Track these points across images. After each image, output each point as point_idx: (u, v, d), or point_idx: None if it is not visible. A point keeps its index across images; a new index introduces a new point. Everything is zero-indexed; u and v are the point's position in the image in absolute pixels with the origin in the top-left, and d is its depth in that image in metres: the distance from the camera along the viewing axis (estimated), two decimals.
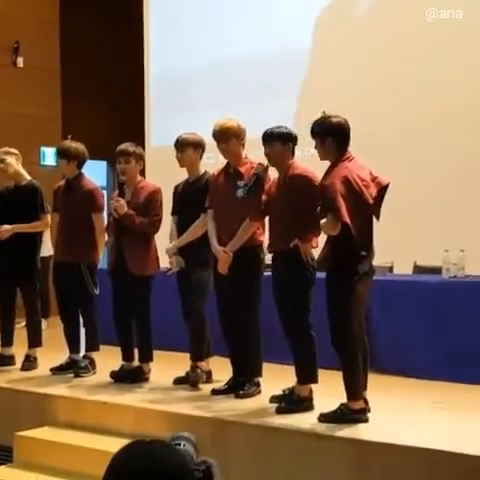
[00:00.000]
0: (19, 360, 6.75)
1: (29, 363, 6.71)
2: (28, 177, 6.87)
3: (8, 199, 6.82)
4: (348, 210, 4.67)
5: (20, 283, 6.76)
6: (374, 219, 4.90)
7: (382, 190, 4.88)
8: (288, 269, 5.16)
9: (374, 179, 4.87)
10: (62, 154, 6.49)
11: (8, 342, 6.84)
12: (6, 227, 6.65)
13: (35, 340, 6.77)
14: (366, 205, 4.80)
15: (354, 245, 4.76)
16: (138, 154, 6.19)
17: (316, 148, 4.95)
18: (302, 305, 5.15)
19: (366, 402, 4.92)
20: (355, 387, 4.84)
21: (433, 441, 4.38)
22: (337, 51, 9.11)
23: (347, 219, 4.67)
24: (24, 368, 6.66)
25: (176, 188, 6.20)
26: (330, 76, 9.08)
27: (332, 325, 4.82)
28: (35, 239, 6.76)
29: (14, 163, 6.81)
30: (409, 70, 8.50)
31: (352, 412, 4.81)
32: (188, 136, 6.03)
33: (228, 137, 5.60)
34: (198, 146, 5.99)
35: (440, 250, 6.60)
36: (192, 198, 5.93)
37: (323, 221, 4.80)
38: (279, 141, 5.24)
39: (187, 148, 5.97)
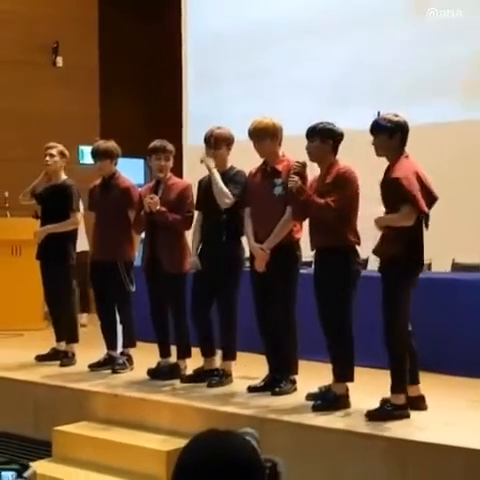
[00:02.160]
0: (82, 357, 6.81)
1: (68, 359, 6.78)
2: (64, 177, 6.99)
3: (45, 198, 6.97)
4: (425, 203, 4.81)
5: (53, 275, 6.85)
6: None
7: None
8: (332, 267, 5.15)
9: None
10: (106, 154, 6.54)
11: (61, 337, 6.96)
12: (39, 230, 6.86)
13: (71, 336, 6.84)
14: (433, 201, 4.93)
15: (422, 239, 4.85)
16: (173, 152, 6.22)
17: (375, 144, 4.95)
18: (344, 304, 5.14)
19: (423, 399, 5.01)
20: (400, 382, 4.85)
21: (472, 440, 4.34)
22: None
23: (426, 209, 4.79)
24: (63, 364, 6.72)
25: (200, 183, 6.10)
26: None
27: (387, 319, 4.84)
28: (67, 236, 6.87)
29: (59, 164, 6.94)
30: None
31: (395, 408, 4.81)
32: (221, 131, 5.93)
33: (262, 137, 5.58)
34: (231, 142, 5.92)
35: (478, 247, 6.55)
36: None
37: (392, 214, 4.85)
38: (319, 137, 5.22)
39: (222, 145, 5.93)
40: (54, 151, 6.92)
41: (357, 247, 5.22)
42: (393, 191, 4.85)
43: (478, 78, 8.32)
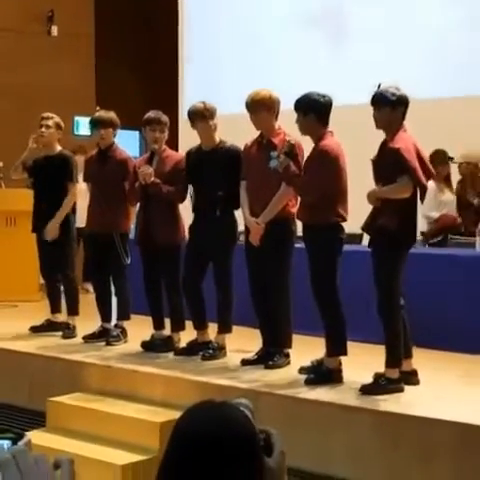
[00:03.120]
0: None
1: (69, 331, 6.75)
2: (59, 148, 6.91)
3: (38, 170, 6.86)
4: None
5: (53, 248, 6.81)
6: None
7: None
8: (316, 244, 5.16)
9: None
10: (110, 123, 6.48)
11: (54, 308, 6.95)
12: (50, 228, 6.67)
13: (73, 308, 6.84)
14: (429, 175, 4.95)
15: (416, 212, 4.88)
16: (168, 123, 6.19)
17: (376, 116, 4.95)
18: (329, 279, 5.15)
19: (415, 373, 5.01)
20: (397, 356, 4.88)
21: (462, 415, 4.37)
22: None
23: (425, 181, 4.79)
24: (65, 336, 6.71)
25: (188, 155, 6.06)
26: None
27: (380, 293, 4.86)
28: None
29: (55, 135, 6.85)
30: None
31: (390, 382, 4.84)
32: (205, 104, 5.85)
33: (259, 109, 5.55)
34: (213, 117, 5.84)
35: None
36: (210, 168, 5.82)
37: (389, 185, 4.85)
38: (302, 110, 5.19)
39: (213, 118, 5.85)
40: (50, 122, 6.83)
41: (343, 224, 5.22)
42: (392, 162, 4.84)
43: None
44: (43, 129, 6.81)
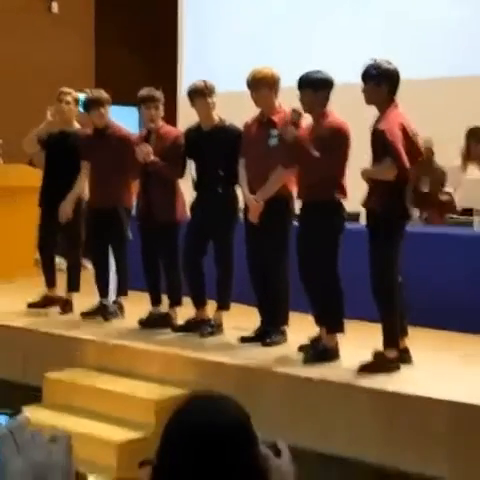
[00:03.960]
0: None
1: (68, 307, 6.74)
2: (77, 125, 6.81)
3: (53, 145, 6.73)
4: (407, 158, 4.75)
5: (63, 223, 6.76)
6: None
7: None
8: (317, 221, 5.14)
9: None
10: (106, 102, 6.44)
11: (50, 283, 6.91)
12: (63, 209, 6.55)
13: (74, 285, 6.83)
14: (418, 155, 4.89)
15: (404, 193, 4.82)
16: (162, 99, 6.15)
17: (365, 91, 4.90)
18: (330, 257, 5.15)
19: (407, 351, 4.99)
20: (394, 336, 4.89)
21: (458, 394, 4.38)
22: None
23: (407, 164, 4.74)
24: (64, 311, 6.70)
25: (188, 133, 6.02)
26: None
27: (374, 273, 4.84)
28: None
29: (74, 111, 6.74)
30: None
31: (387, 361, 4.84)
32: (207, 82, 5.83)
33: (260, 86, 5.52)
34: (213, 95, 5.81)
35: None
36: (210, 147, 5.78)
37: (375, 166, 4.84)
38: (311, 88, 5.14)
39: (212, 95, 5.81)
40: (69, 98, 6.70)
41: (343, 201, 5.21)
42: (378, 142, 4.82)
43: None
44: (63, 104, 6.69)
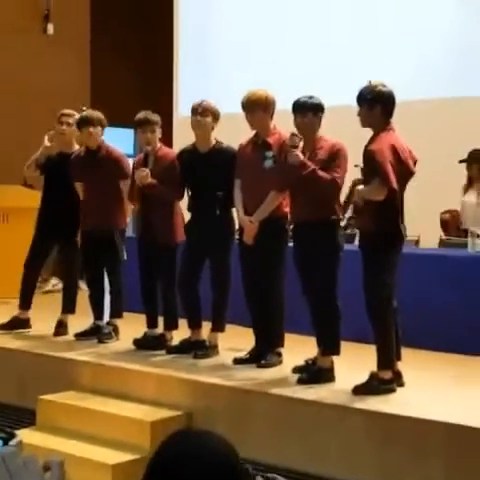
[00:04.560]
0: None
1: (62, 329, 6.71)
2: (77, 146, 6.80)
3: (52, 168, 6.73)
4: (396, 178, 4.76)
5: (62, 245, 6.76)
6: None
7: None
8: (319, 240, 5.15)
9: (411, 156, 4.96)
10: (98, 122, 6.44)
11: (27, 305, 6.84)
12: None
13: (69, 306, 6.80)
14: (408, 176, 4.90)
15: (397, 214, 4.83)
16: (159, 122, 6.17)
17: (359, 115, 4.94)
18: (331, 276, 5.15)
19: (400, 375, 4.97)
20: (389, 357, 4.88)
21: (452, 415, 4.38)
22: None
23: (395, 185, 4.75)
24: (58, 334, 6.68)
25: (182, 154, 6.04)
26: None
27: (368, 294, 4.84)
28: (78, 205, 6.67)
29: (75, 133, 6.71)
30: None
31: (382, 382, 4.83)
32: (211, 103, 5.88)
33: (254, 108, 5.54)
34: (216, 117, 5.86)
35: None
36: (207, 169, 5.80)
37: (366, 187, 4.86)
38: (312, 111, 5.20)
39: (208, 115, 5.83)
40: (71, 120, 6.69)
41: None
42: (368, 163, 4.87)
43: None
44: (64, 127, 6.69)
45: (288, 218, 5.58)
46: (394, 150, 4.81)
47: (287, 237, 5.61)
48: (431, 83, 8.60)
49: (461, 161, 7.51)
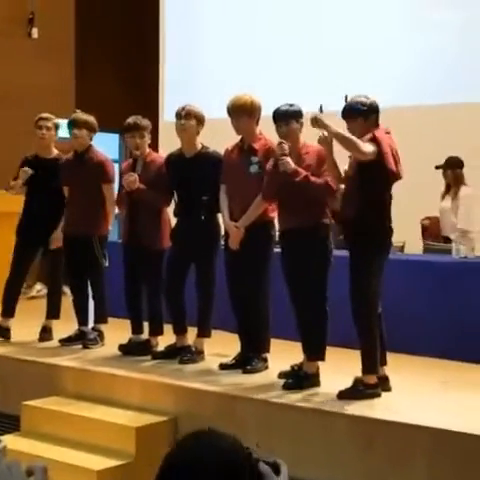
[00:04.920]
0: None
1: (46, 334, 6.67)
2: (55, 151, 6.78)
3: (34, 173, 6.65)
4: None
5: (45, 250, 6.71)
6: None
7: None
8: (309, 246, 5.14)
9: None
10: (86, 125, 6.43)
11: (10, 313, 6.76)
12: (56, 237, 6.55)
13: (54, 312, 6.77)
14: (395, 179, 4.88)
15: (384, 217, 4.85)
16: (149, 127, 6.16)
17: (348, 129, 4.91)
18: (321, 283, 5.15)
19: (386, 379, 4.97)
20: (373, 362, 4.87)
21: (437, 420, 4.38)
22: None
23: (393, 167, 4.73)
24: (42, 339, 6.64)
25: (169, 159, 6.02)
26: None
27: (354, 298, 4.84)
28: (62, 211, 6.63)
29: (53, 137, 6.70)
30: None
31: (367, 387, 4.84)
32: (195, 107, 5.87)
33: (240, 114, 5.55)
34: (201, 121, 5.84)
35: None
36: (192, 175, 5.79)
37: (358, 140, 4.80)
38: (294, 119, 5.21)
39: (191, 118, 5.81)
40: (50, 123, 6.67)
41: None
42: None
43: None
44: (44, 131, 6.64)
45: (274, 223, 5.59)
46: (392, 149, 4.83)
47: (273, 243, 5.61)
48: (417, 91, 8.62)
49: (437, 167, 7.56)
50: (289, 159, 5.11)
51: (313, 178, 5.11)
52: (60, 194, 6.55)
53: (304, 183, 5.10)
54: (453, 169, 7.50)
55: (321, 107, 4.97)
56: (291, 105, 5.27)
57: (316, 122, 4.81)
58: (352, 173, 4.93)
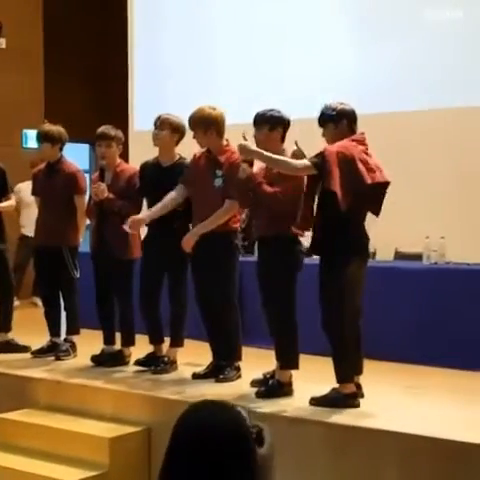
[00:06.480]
0: None
1: (17, 346, 6.66)
2: None
3: None
4: (341, 184, 4.65)
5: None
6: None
7: (383, 187, 4.88)
8: (275, 255, 5.14)
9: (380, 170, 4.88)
10: (46, 137, 6.45)
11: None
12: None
13: (4, 323, 6.75)
14: (362, 188, 4.74)
15: (349, 227, 4.78)
16: (118, 137, 6.17)
17: (324, 135, 4.93)
18: (288, 292, 5.14)
19: (359, 387, 4.95)
20: (345, 371, 4.85)
21: (409, 426, 4.42)
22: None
23: (335, 184, 4.63)
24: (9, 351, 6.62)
25: (143, 167, 6.02)
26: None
27: (324, 308, 4.81)
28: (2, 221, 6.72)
29: None
30: None
31: (343, 397, 4.82)
32: (170, 117, 5.89)
33: (197, 127, 5.50)
34: (176, 130, 5.85)
35: (421, 237, 6.65)
36: (167, 185, 5.76)
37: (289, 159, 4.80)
38: (268, 125, 5.13)
39: (165, 128, 5.84)
40: None
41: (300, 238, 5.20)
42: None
43: None
44: None
45: (236, 232, 5.60)
46: (353, 159, 4.72)
47: (236, 251, 5.60)
48: (395, 97, 8.62)
49: None
50: (245, 165, 5.07)
51: (264, 186, 5.04)
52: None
53: (257, 190, 5.08)
54: None
55: (244, 134, 4.95)
56: (271, 110, 5.18)
57: (243, 150, 4.86)
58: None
